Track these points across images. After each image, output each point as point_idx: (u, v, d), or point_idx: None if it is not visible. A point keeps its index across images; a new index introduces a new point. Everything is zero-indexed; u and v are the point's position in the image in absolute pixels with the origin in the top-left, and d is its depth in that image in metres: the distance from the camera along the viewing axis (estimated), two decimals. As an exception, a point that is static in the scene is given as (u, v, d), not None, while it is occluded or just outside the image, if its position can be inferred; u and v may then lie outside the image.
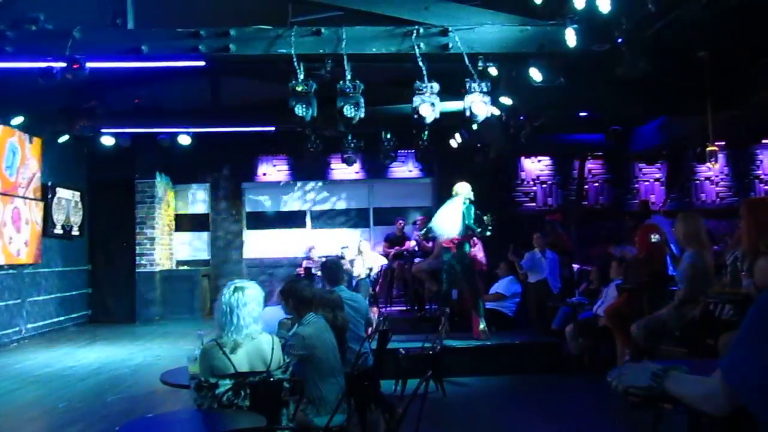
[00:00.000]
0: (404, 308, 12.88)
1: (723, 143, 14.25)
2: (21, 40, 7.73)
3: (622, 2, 6.59)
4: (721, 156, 14.49)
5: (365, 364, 6.02)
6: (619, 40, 7.11)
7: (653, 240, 7.56)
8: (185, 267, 16.07)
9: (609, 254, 9.81)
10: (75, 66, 7.53)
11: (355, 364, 5.70)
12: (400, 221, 14.66)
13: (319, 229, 16.35)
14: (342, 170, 15.82)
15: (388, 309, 12.37)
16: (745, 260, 5.74)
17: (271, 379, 4.03)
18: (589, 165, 16.07)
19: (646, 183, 16.14)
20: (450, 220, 9.31)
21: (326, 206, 16.46)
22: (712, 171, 15.31)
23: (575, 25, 7.43)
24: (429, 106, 8.00)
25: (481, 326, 9.28)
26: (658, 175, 16.12)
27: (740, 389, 1.82)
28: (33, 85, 7.91)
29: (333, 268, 6.87)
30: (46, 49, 7.71)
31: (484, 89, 8.03)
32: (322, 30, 7.92)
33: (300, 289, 5.35)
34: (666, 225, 8.88)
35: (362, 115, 7.98)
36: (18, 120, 11.64)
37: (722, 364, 1.89)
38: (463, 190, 9.36)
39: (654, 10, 6.39)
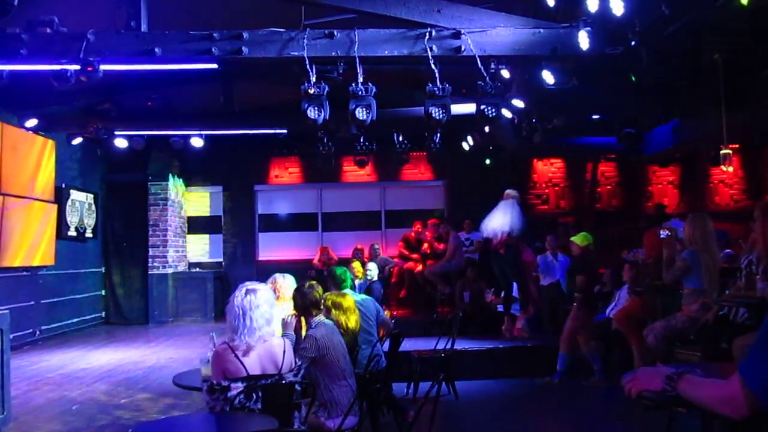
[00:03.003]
0: (413, 311, 12.85)
1: (737, 146, 14.15)
2: (35, 43, 7.77)
3: (636, 5, 6.56)
4: (735, 159, 14.39)
5: (378, 367, 6.02)
6: (633, 43, 7.09)
7: (662, 236, 7.52)
8: (198, 269, 16.12)
9: (622, 259, 9.77)
10: (89, 69, 7.57)
11: (367, 367, 5.70)
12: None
13: (331, 231, 16.37)
14: (354, 172, 15.84)
15: (398, 311, 12.34)
16: (760, 263, 5.72)
17: (283, 382, 4.03)
18: (602, 168, 16.01)
19: (660, 186, 16.05)
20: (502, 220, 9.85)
21: (338, 209, 16.46)
22: (726, 174, 15.20)
23: (588, 28, 7.41)
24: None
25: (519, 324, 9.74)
26: (671, 178, 16.04)
27: (761, 392, 1.81)
28: (47, 87, 7.95)
29: (339, 273, 6.84)
30: (60, 51, 7.74)
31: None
32: (335, 33, 7.92)
33: (307, 292, 5.34)
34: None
35: (374, 118, 7.98)
36: (32, 122, 11.70)
37: (741, 366, 1.88)
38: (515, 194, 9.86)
39: (667, 12, 6.37)
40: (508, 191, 10.38)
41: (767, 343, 1.86)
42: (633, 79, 7.74)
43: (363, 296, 7.02)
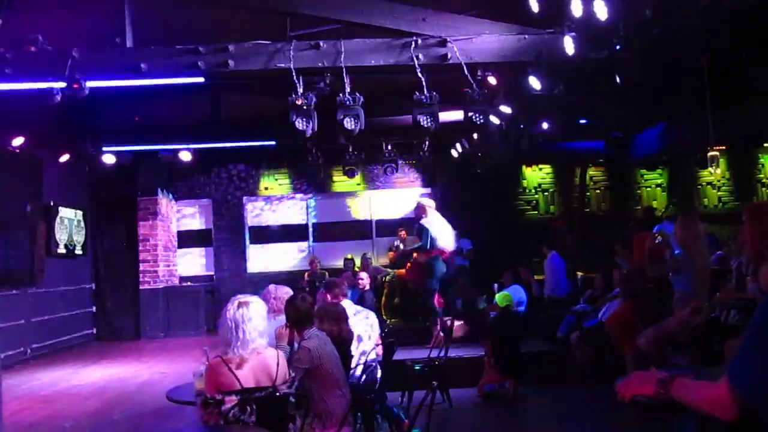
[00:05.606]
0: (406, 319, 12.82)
1: (724, 148, 14.23)
2: (20, 61, 7.74)
3: (620, 9, 6.59)
4: (722, 161, 14.47)
5: (372, 377, 6.01)
6: (618, 47, 7.12)
7: (656, 242, 7.54)
8: (189, 283, 16.06)
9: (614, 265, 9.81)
10: (75, 86, 7.55)
11: (361, 377, 5.69)
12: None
13: (321, 242, 16.35)
14: (343, 182, 15.83)
15: (390, 320, 12.30)
16: (750, 265, 5.73)
17: (277, 394, 4.02)
18: (591, 172, 16.07)
19: (648, 189, 16.13)
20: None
21: (328, 219, 16.45)
22: (714, 176, 15.28)
23: (573, 33, 7.43)
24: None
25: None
26: (659, 181, 16.11)
27: (748, 394, 1.82)
28: (33, 105, 7.93)
29: (335, 284, 6.83)
30: (45, 69, 7.71)
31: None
32: (321, 43, 7.94)
33: (299, 304, 5.32)
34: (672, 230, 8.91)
35: (362, 127, 7.98)
36: (19, 140, 11.64)
37: (729, 369, 1.89)
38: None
39: (651, 16, 6.40)
40: (425, 201, 10.46)
41: (753, 344, 1.86)
42: (618, 83, 7.76)
43: (358, 307, 7.00)
